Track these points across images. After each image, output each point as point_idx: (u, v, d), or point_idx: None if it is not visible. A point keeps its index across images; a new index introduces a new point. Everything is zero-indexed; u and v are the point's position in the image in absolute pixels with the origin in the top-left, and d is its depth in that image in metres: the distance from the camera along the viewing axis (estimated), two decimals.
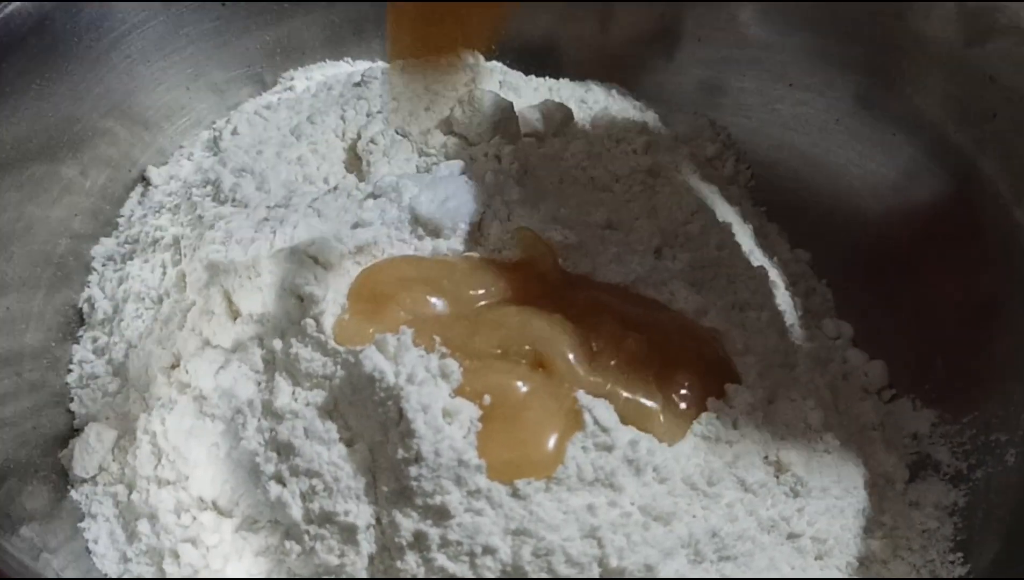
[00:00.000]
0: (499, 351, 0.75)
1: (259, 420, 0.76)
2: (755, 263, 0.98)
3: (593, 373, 0.76)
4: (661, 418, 0.76)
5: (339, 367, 0.75)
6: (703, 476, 0.75)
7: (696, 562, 0.73)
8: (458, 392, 0.72)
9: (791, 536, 0.78)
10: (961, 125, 0.95)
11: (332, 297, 0.78)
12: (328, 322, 0.77)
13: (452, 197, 0.87)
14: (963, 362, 0.91)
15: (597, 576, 0.69)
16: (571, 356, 0.76)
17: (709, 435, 0.77)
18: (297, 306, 0.78)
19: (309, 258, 0.80)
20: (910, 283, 0.97)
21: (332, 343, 0.76)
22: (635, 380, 0.77)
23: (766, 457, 0.79)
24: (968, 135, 0.94)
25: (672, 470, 0.74)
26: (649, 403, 0.76)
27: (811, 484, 0.79)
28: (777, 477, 0.79)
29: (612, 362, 0.77)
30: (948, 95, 0.96)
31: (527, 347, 0.76)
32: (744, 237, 1.01)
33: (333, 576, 0.71)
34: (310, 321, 0.77)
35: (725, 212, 1.02)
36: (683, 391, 0.78)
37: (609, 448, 0.72)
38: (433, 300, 0.79)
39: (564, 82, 1.10)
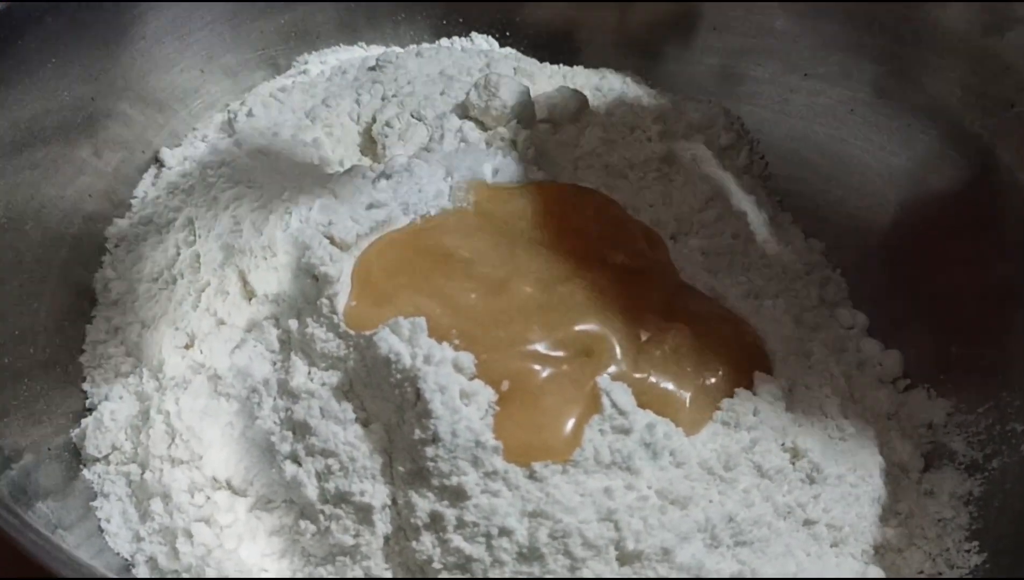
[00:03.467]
0: (538, 332, 0.74)
1: (275, 399, 0.76)
2: (769, 252, 0.98)
3: (637, 368, 0.75)
4: (687, 407, 0.76)
5: (352, 349, 0.75)
6: (720, 461, 0.75)
7: (712, 546, 0.72)
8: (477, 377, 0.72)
9: (807, 523, 0.77)
10: (978, 114, 0.95)
11: (347, 277, 0.78)
12: (342, 303, 0.77)
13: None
14: (979, 352, 0.91)
15: (614, 559, 0.69)
16: (618, 350, 0.75)
17: (729, 421, 0.76)
18: (313, 286, 0.78)
19: (325, 238, 0.79)
20: (925, 272, 0.97)
21: (344, 326, 0.76)
22: (673, 371, 0.76)
23: (782, 443, 0.78)
24: (985, 124, 0.94)
25: (689, 454, 0.73)
26: (678, 393, 0.76)
27: (827, 471, 0.79)
28: (793, 463, 0.78)
29: (657, 353, 0.77)
30: (965, 85, 0.96)
31: (575, 329, 0.75)
32: (758, 226, 1.01)
33: (348, 556, 0.71)
34: (325, 301, 0.76)
35: (739, 200, 1.02)
36: (714, 380, 0.78)
37: (626, 431, 0.71)
38: (442, 283, 0.78)
39: (579, 69, 1.10)
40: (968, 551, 0.80)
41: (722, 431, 0.76)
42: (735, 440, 0.76)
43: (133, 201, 0.97)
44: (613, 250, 0.83)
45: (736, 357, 0.80)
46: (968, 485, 0.85)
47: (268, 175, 0.89)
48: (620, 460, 0.71)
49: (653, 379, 0.75)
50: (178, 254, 0.88)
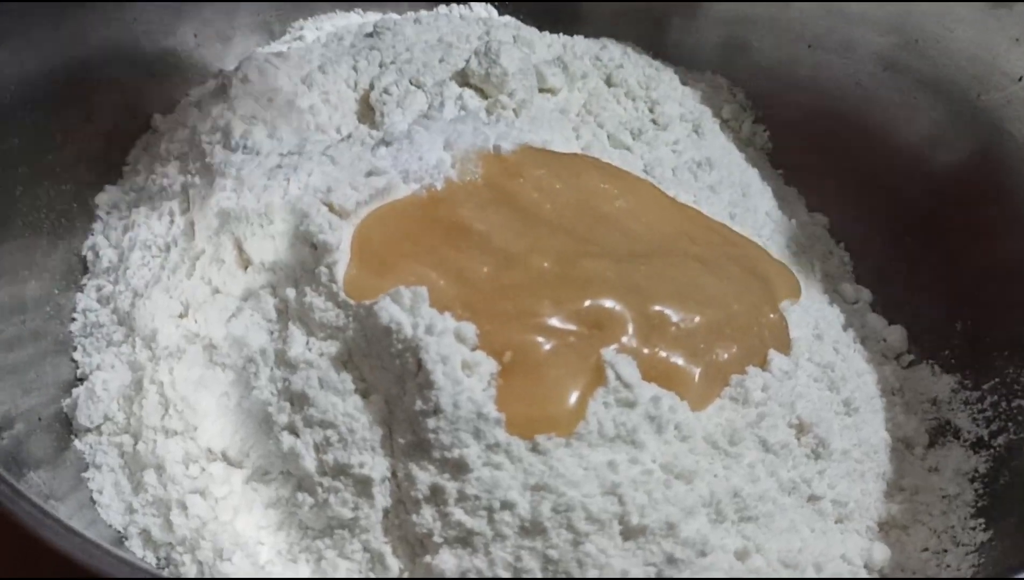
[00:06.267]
0: (548, 305, 0.72)
1: (272, 370, 0.74)
2: (772, 225, 0.97)
3: (647, 343, 0.73)
4: (695, 382, 0.74)
5: (352, 319, 0.73)
6: (725, 435, 0.73)
7: (717, 521, 0.71)
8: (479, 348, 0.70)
9: (812, 498, 0.76)
10: (986, 88, 0.93)
11: (346, 246, 0.76)
12: (341, 272, 0.75)
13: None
14: (984, 328, 0.90)
15: (617, 533, 0.68)
16: (631, 325, 0.73)
17: (737, 397, 0.75)
18: (311, 254, 0.76)
19: (324, 205, 0.77)
20: (930, 247, 0.96)
21: (343, 295, 0.74)
22: (685, 347, 0.74)
23: (788, 419, 0.77)
24: (993, 98, 0.93)
25: (694, 428, 0.72)
26: (688, 368, 0.74)
27: (832, 447, 0.78)
28: (799, 439, 0.77)
29: (672, 329, 0.74)
30: (972, 57, 0.95)
31: (588, 304, 0.73)
32: (762, 199, 0.99)
33: (346, 529, 0.70)
34: (324, 270, 0.75)
35: (742, 173, 1.01)
36: (727, 357, 0.76)
37: (631, 405, 0.70)
38: (450, 254, 0.76)
39: (579, 39, 1.08)
40: (974, 528, 0.79)
41: (729, 406, 0.75)
42: (741, 415, 0.74)
43: (125, 168, 0.95)
44: (637, 225, 0.81)
45: (755, 336, 0.78)
46: (973, 462, 0.84)
47: (264, 141, 0.87)
48: (624, 433, 0.69)
49: (663, 354, 0.73)
50: (171, 221, 0.86)
